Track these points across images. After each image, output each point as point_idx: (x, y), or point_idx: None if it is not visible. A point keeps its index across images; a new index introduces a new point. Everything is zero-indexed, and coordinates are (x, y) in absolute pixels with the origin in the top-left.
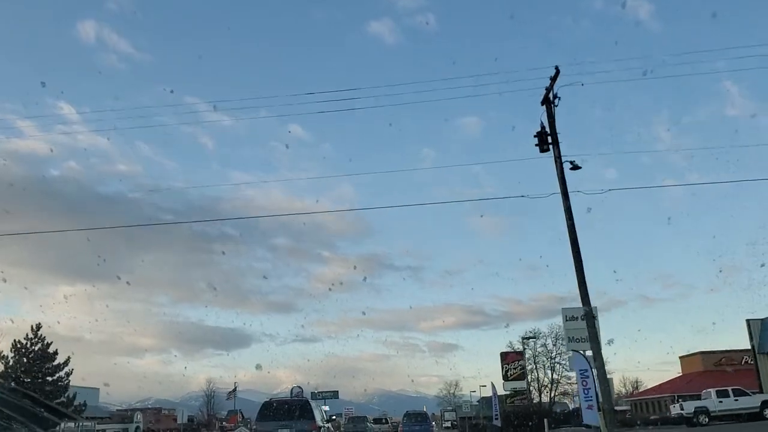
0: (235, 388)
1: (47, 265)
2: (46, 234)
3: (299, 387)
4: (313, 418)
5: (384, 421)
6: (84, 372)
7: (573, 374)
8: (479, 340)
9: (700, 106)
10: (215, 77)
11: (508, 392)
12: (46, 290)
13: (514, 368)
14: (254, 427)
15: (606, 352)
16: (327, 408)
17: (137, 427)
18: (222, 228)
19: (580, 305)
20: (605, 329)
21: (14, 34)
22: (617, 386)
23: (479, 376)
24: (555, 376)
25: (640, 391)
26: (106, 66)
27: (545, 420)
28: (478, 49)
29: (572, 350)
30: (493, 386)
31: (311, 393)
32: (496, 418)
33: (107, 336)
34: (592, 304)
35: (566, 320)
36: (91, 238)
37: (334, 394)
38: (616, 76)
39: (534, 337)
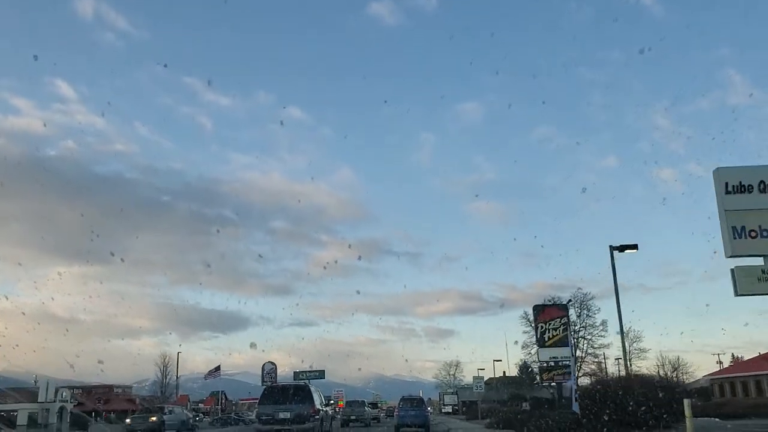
0: (217, 368)
1: (43, 245)
2: (43, 213)
3: (272, 363)
4: (312, 401)
5: (376, 405)
6: (78, 350)
7: (603, 350)
8: (476, 326)
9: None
10: (213, 58)
11: (546, 362)
12: (42, 270)
13: (554, 328)
14: (257, 409)
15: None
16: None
17: (62, 408)
18: (220, 210)
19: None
20: (610, 314)
21: (9, 10)
22: (653, 366)
23: (476, 361)
24: (579, 354)
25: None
26: (103, 44)
27: (685, 401)
28: (478, 27)
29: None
30: (572, 339)
31: (294, 372)
32: (577, 399)
33: (103, 316)
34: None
35: (727, 193)
36: (88, 217)
37: (320, 374)
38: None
39: (634, 247)
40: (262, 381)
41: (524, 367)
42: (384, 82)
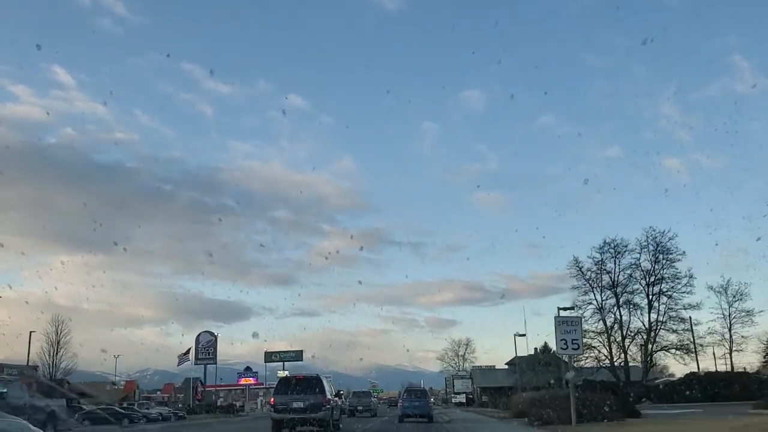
0: (188, 351)
1: (45, 234)
2: (45, 202)
3: (210, 333)
4: (324, 392)
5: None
6: (82, 339)
7: (690, 312)
8: (478, 316)
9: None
10: (212, 44)
11: None
12: (45, 259)
13: None
14: (272, 399)
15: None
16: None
17: None
18: (222, 200)
19: None
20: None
21: None
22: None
23: (476, 351)
24: (654, 317)
25: None
26: (101, 30)
27: None
28: (478, 15)
29: None
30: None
31: (265, 352)
32: None
33: (106, 306)
34: None
35: None
36: (90, 206)
37: (297, 356)
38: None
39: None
40: (196, 357)
41: (545, 350)
42: (385, 71)
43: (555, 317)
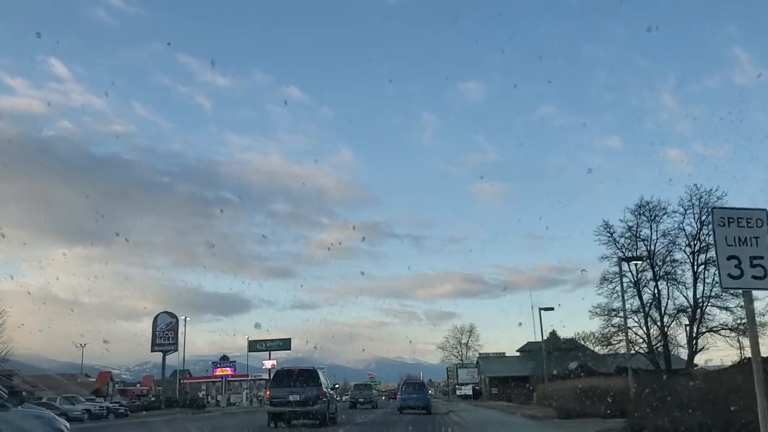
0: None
1: (46, 226)
2: (46, 194)
3: (170, 315)
4: (320, 384)
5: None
6: (83, 330)
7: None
8: (478, 309)
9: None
10: (210, 36)
11: None
12: (46, 251)
13: None
14: (268, 392)
15: None
16: (275, 362)
17: None
18: (221, 192)
19: None
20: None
21: None
22: None
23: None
24: (701, 291)
25: None
26: (98, 22)
27: None
28: (481, 6)
29: None
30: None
31: (248, 341)
32: None
33: (107, 298)
34: None
35: None
36: (91, 199)
37: (285, 344)
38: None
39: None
40: (154, 341)
41: (552, 338)
42: (386, 62)
43: (712, 210)
